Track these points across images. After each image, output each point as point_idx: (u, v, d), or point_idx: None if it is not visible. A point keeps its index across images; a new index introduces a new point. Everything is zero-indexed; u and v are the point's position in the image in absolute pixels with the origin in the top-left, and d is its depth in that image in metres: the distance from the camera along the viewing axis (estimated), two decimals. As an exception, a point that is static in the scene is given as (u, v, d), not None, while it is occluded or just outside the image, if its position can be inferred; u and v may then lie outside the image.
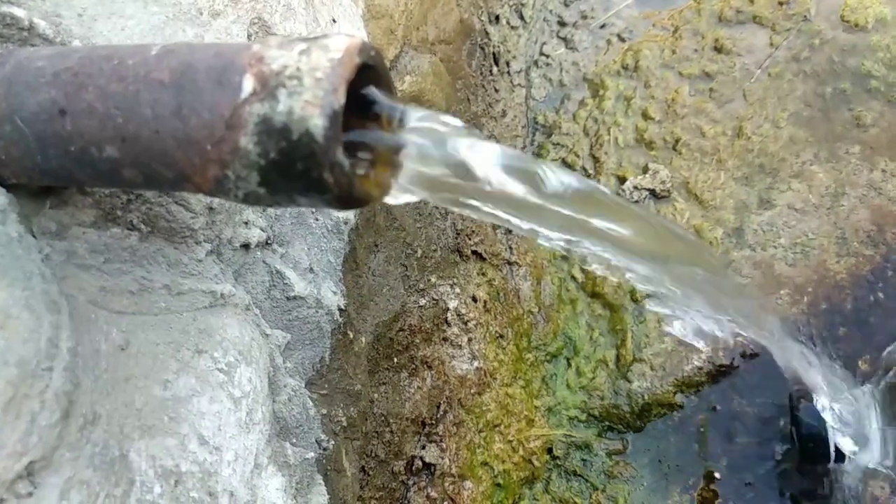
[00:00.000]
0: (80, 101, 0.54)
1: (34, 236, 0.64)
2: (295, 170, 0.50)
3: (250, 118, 0.50)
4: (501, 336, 1.54)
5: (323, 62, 0.49)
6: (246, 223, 0.88)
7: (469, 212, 0.62)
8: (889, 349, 1.39)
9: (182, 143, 0.52)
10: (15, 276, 0.57)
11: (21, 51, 0.61)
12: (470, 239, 1.59)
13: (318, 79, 0.49)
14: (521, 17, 1.99)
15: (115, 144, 0.54)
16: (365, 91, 0.54)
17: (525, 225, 0.62)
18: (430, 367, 1.38)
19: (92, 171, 0.57)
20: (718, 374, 1.49)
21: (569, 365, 1.59)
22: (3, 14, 0.62)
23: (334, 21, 1.08)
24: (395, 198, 0.58)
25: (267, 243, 0.92)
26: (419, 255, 1.44)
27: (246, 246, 0.88)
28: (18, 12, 0.63)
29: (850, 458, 1.28)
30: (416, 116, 0.57)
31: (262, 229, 0.91)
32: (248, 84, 0.50)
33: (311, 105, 0.48)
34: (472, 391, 1.44)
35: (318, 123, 0.48)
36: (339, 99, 0.49)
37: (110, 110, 0.53)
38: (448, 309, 1.47)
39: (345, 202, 0.53)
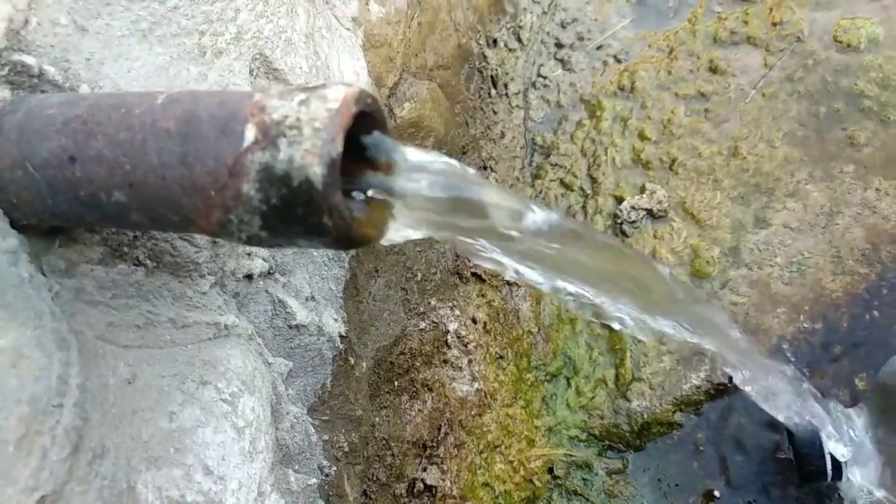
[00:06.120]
0: (90, 149, 0.57)
1: (44, 275, 0.66)
2: (295, 214, 0.52)
3: (252, 166, 0.52)
4: (501, 357, 1.56)
5: (321, 112, 0.52)
6: (248, 254, 0.90)
7: (468, 248, 0.64)
8: (885, 367, 1.41)
9: (187, 189, 0.55)
10: (27, 316, 0.59)
11: (31, 98, 0.64)
12: (469, 261, 1.61)
13: (316, 129, 0.51)
14: (519, 40, 2.02)
15: (123, 190, 0.56)
16: (363, 139, 0.56)
17: (522, 268, 0.64)
18: (430, 390, 1.40)
19: (100, 214, 0.59)
20: (717, 392, 1.50)
21: (568, 385, 1.61)
22: (14, 62, 0.64)
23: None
24: (394, 235, 0.60)
25: (269, 273, 0.94)
26: (419, 279, 1.46)
27: (249, 276, 0.90)
28: (29, 60, 0.65)
29: (847, 476, 1.29)
30: (413, 156, 0.60)
31: (264, 259, 0.93)
32: (251, 133, 0.53)
33: (310, 154, 0.51)
34: (473, 412, 1.45)
35: (317, 171, 0.50)
36: (337, 148, 0.51)
37: (119, 158, 0.56)
38: (448, 331, 1.48)
39: (343, 243, 0.55)
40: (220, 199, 0.54)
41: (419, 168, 0.59)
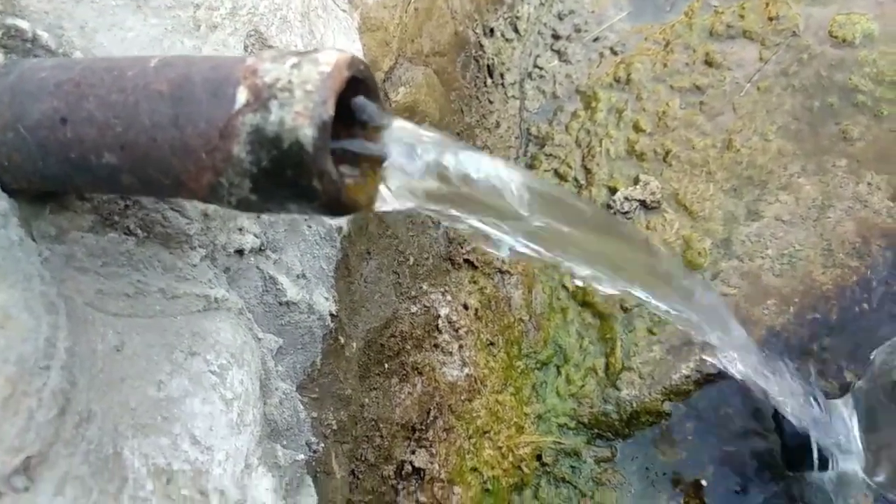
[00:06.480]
0: (81, 110, 0.57)
1: (34, 240, 0.66)
2: (285, 177, 0.53)
3: (243, 128, 0.52)
4: (492, 343, 1.56)
5: (313, 75, 0.52)
6: (240, 229, 0.90)
7: (454, 223, 0.64)
8: (872, 357, 1.42)
9: (178, 151, 0.55)
10: (15, 278, 0.59)
11: (24, 61, 0.64)
12: (462, 247, 1.61)
13: (308, 91, 0.51)
14: (516, 30, 2.02)
15: (113, 152, 0.56)
16: (354, 102, 0.56)
17: (508, 237, 0.64)
18: (420, 374, 1.40)
19: (91, 176, 0.59)
20: (706, 382, 1.51)
21: (559, 373, 1.61)
22: (8, 26, 0.64)
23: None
24: (384, 205, 0.60)
25: (260, 249, 0.94)
26: (411, 263, 1.46)
27: (240, 252, 0.90)
28: (23, 24, 0.65)
29: (833, 466, 1.30)
30: (403, 126, 0.60)
31: (255, 235, 0.93)
32: (242, 96, 0.53)
33: (301, 116, 0.51)
34: (463, 397, 1.46)
35: (307, 133, 0.51)
36: (329, 110, 0.51)
37: (110, 119, 0.56)
38: (439, 316, 1.49)
39: (333, 209, 0.56)
40: (210, 161, 0.54)
41: (412, 136, 0.59)
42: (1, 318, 0.56)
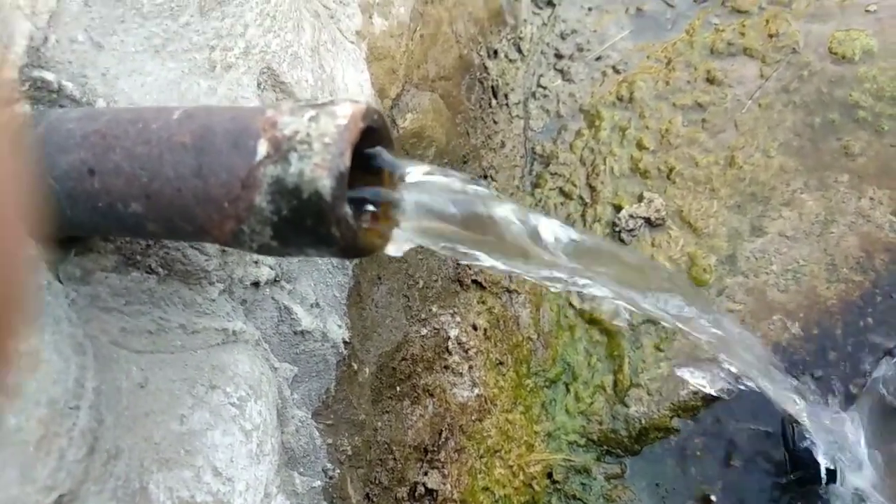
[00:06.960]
0: (108, 162, 0.59)
1: (61, 282, 0.69)
2: (305, 225, 0.55)
3: (264, 179, 0.55)
4: (501, 363, 1.58)
5: (330, 128, 0.54)
6: (256, 262, 0.92)
7: (468, 260, 0.66)
8: (878, 372, 1.43)
9: (202, 201, 0.57)
10: (45, 322, 0.62)
11: (51, 112, 0.66)
12: (470, 268, 1.63)
13: (326, 143, 0.54)
14: (519, 51, 2.05)
15: (139, 201, 0.59)
16: (369, 151, 0.59)
17: (526, 271, 0.66)
18: (431, 395, 1.43)
19: (118, 224, 0.62)
20: (714, 398, 1.52)
21: (567, 390, 1.63)
22: (35, 78, 0.67)
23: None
24: (397, 248, 0.62)
25: (275, 280, 0.97)
26: (421, 286, 1.49)
27: (256, 284, 0.92)
28: (48, 76, 0.68)
29: (841, 480, 1.31)
30: (416, 171, 0.62)
31: (270, 267, 0.95)
32: (263, 148, 0.55)
33: (319, 168, 0.53)
34: (473, 418, 1.48)
35: (326, 184, 0.53)
36: (345, 162, 0.54)
37: (136, 170, 0.58)
38: (449, 337, 1.51)
39: (350, 253, 0.58)
40: (233, 210, 0.56)
41: (424, 180, 0.61)
42: (33, 363, 0.59)
